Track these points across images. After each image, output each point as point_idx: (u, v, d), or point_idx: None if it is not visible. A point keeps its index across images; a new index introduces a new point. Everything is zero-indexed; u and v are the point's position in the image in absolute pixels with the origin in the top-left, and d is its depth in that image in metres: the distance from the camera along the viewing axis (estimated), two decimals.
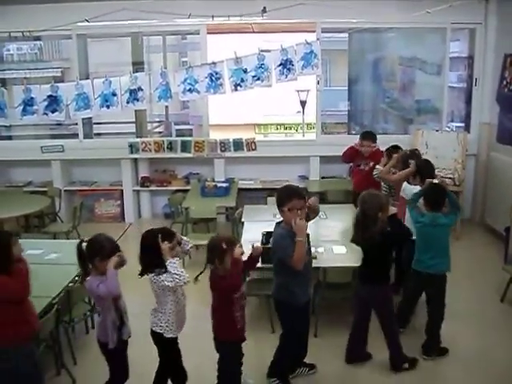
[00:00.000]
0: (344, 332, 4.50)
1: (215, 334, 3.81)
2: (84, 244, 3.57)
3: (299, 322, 4.03)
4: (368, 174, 6.48)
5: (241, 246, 3.75)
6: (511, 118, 7.33)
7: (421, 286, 4.68)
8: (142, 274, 3.64)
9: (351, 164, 7.33)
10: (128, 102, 6.53)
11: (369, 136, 6.78)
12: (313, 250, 4.58)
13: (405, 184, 5.34)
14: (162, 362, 3.87)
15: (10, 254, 3.38)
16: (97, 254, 3.48)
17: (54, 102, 6.41)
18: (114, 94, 6.47)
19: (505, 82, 7.54)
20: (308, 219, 3.89)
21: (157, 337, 3.71)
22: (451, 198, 4.55)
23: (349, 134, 9.75)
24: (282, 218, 3.89)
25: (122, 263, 3.54)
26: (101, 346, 3.68)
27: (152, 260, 3.55)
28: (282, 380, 4.14)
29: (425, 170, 5.15)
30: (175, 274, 3.47)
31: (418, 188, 4.89)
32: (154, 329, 3.70)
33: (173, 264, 3.50)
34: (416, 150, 6.20)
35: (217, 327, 3.80)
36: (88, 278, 3.53)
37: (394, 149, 6.19)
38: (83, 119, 8.11)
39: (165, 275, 3.50)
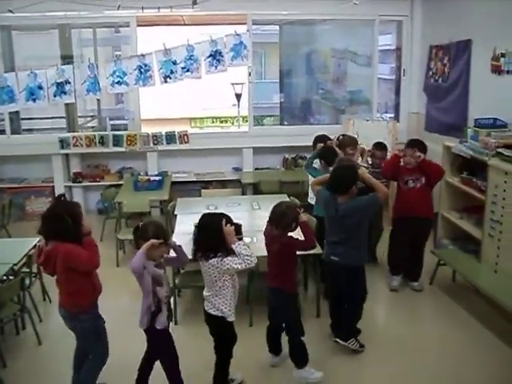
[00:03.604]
0: None
1: (284, 290, 3.98)
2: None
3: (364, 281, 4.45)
4: (420, 192, 5.38)
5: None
6: (437, 107, 7.58)
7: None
8: (196, 257, 3.62)
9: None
10: (55, 96, 6.39)
11: (413, 144, 5.46)
12: (247, 240, 4.80)
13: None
14: (220, 351, 3.80)
15: (80, 222, 3.57)
16: (141, 236, 3.51)
17: None
18: (41, 88, 6.31)
19: (431, 73, 7.78)
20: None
21: (217, 321, 3.66)
22: None
23: (281, 125, 9.81)
24: None
25: (162, 251, 3.54)
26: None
27: (215, 243, 3.51)
28: (355, 336, 4.50)
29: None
30: (246, 255, 3.46)
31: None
32: (213, 312, 3.64)
33: (242, 246, 3.50)
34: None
35: (288, 282, 3.99)
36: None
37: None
38: (10, 114, 7.88)
39: (230, 258, 3.47)
